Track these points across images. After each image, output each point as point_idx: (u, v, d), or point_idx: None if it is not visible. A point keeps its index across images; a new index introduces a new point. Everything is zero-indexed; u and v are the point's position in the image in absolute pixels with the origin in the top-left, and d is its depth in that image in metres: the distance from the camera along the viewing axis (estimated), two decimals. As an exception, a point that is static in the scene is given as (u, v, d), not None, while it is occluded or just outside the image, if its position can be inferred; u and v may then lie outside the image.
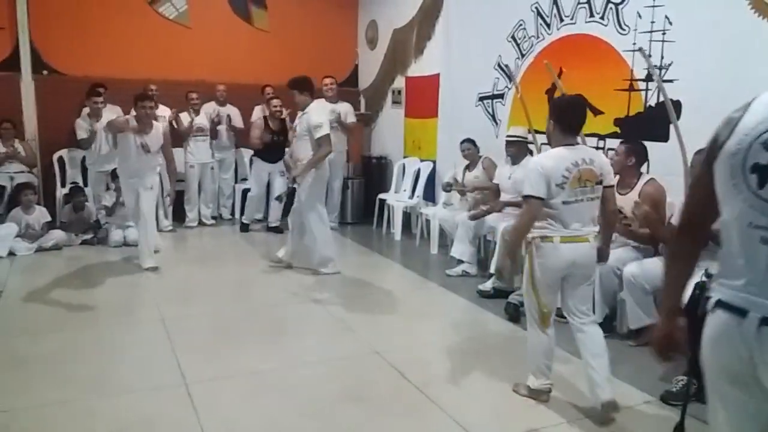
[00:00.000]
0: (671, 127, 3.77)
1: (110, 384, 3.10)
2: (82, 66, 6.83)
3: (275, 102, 6.62)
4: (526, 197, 2.74)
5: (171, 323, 3.95)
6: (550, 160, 2.75)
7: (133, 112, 5.19)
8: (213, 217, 7.21)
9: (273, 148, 6.62)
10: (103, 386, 3.07)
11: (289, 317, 4.23)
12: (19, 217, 5.74)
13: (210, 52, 7.40)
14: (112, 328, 3.91)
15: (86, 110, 6.18)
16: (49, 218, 5.96)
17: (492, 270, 4.64)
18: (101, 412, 2.80)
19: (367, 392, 3.09)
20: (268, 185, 6.86)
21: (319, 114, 4.97)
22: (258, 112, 6.97)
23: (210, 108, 7.00)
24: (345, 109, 6.99)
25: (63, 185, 6.61)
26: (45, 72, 6.77)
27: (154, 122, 5.26)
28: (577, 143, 2.88)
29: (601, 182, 2.80)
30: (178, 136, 6.50)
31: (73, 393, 2.97)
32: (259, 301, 4.63)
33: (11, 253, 5.49)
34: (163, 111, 6.42)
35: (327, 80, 6.91)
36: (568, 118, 2.83)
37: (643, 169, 3.95)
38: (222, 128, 7.04)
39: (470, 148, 5.41)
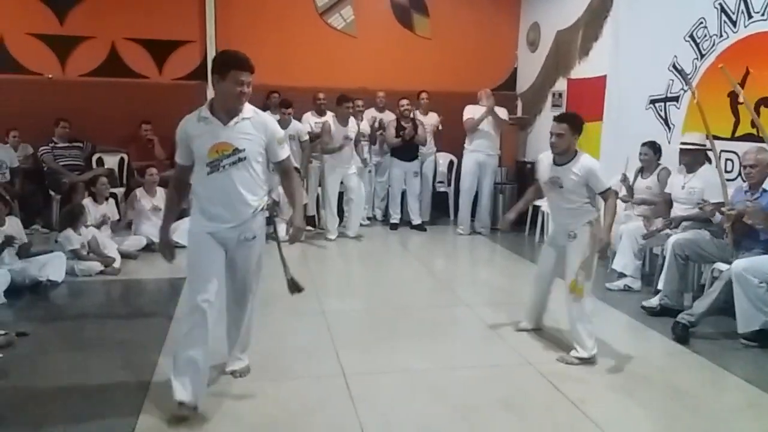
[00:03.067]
0: None
1: (276, 369, 3.34)
2: (258, 75, 7.20)
3: (403, 101, 6.90)
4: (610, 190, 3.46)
5: (331, 316, 4.17)
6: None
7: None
8: (368, 218, 7.48)
9: (406, 147, 6.94)
10: (271, 370, 3.31)
11: (441, 319, 4.27)
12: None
13: (372, 60, 7.71)
14: (279, 317, 4.21)
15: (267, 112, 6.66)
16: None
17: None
18: (269, 394, 3.03)
19: (520, 402, 3.03)
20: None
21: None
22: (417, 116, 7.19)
23: (370, 114, 7.28)
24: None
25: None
26: (227, 80, 7.46)
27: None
28: None
29: None
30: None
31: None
32: (411, 300, 4.72)
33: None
34: (328, 117, 6.83)
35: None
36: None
37: None
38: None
39: (647, 153, 5.04)
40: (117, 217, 6.02)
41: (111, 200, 6.05)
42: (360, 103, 7.06)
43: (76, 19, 7.11)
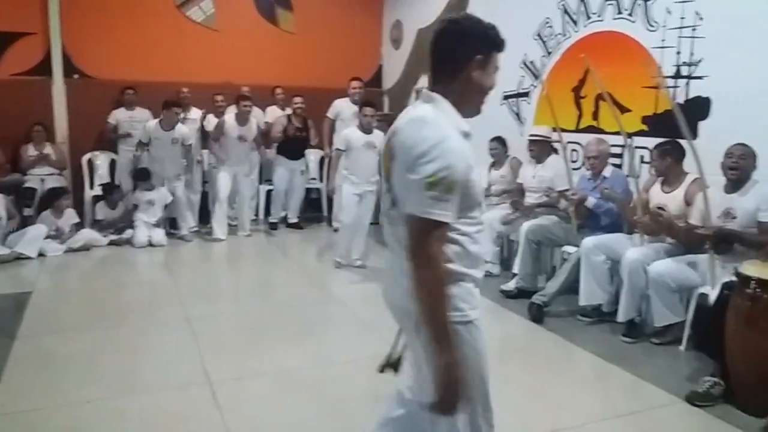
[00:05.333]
0: (700, 124, 3.76)
1: (137, 383, 3.15)
2: (112, 70, 6.95)
3: (297, 99, 6.77)
4: None
5: (196, 322, 3.99)
6: None
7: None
8: (236, 217, 7.24)
9: (295, 145, 6.80)
10: (130, 385, 3.11)
11: (313, 317, 4.25)
12: (50, 220, 5.84)
13: (236, 54, 7.47)
14: (139, 328, 3.97)
15: (121, 108, 6.66)
16: (77, 219, 6.06)
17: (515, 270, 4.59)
18: (128, 411, 2.85)
19: (389, 391, 3.07)
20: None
21: None
22: (275, 112, 7.13)
23: (235, 109, 7.05)
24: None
25: (92, 187, 6.74)
26: (76, 76, 6.91)
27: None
28: None
29: None
30: (206, 138, 6.65)
31: (101, 392, 3.02)
32: (283, 300, 4.65)
33: (41, 254, 5.59)
34: (195, 113, 6.64)
35: (355, 83, 6.91)
36: None
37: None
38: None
39: (497, 147, 5.36)
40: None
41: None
42: (220, 98, 6.82)
43: None
